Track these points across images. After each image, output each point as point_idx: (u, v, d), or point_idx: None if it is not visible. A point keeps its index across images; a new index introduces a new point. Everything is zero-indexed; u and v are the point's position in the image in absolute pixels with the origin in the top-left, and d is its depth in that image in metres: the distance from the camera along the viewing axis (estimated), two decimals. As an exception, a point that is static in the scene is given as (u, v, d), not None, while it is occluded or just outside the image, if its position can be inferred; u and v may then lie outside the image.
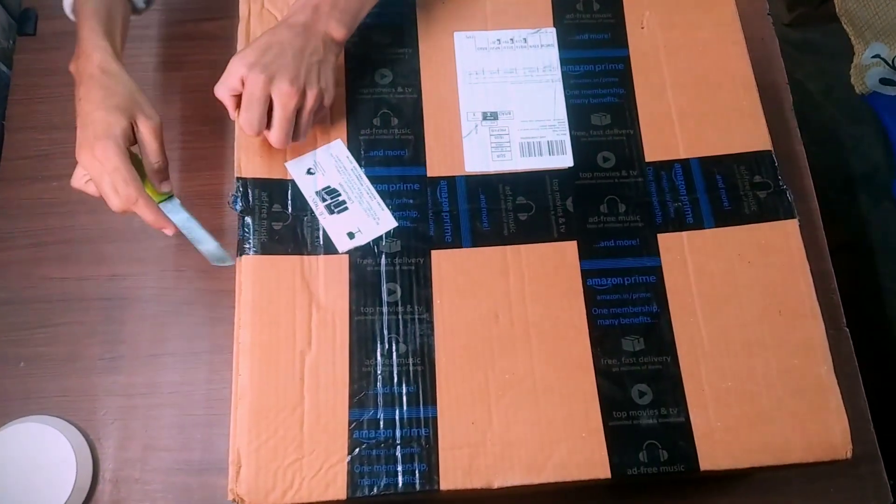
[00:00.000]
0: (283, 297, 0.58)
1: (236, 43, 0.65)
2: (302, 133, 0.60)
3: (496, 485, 0.54)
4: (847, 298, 0.74)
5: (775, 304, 0.59)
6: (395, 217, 0.61)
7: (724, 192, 0.63)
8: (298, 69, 0.58)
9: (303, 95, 0.58)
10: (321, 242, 0.60)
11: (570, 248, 0.61)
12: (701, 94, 0.66)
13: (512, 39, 0.69)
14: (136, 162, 0.59)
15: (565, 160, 0.64)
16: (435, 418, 0.56)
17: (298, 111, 0.59)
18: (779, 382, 0.57)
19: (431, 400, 0.56)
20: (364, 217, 0.61)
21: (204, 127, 0.78)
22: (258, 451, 0.54)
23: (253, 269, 0.59)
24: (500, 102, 0.66)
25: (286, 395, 0.56)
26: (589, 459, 0.55)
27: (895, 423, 0.76)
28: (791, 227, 0.62)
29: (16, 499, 0.64)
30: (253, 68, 0.57)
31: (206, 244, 0.61)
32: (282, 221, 0.61)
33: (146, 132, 0.59)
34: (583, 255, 0.61)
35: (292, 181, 0.62)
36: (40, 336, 0.72)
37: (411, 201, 0.62)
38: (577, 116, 0.66)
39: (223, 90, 0.59)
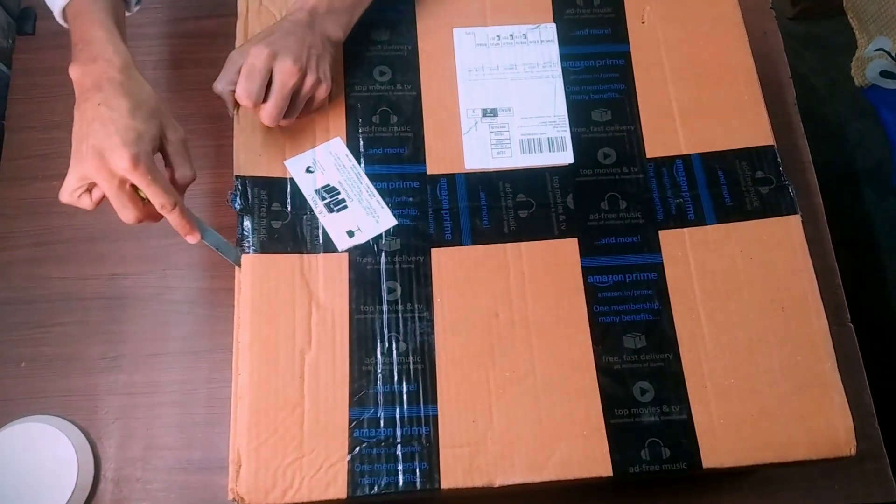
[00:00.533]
0: (283, 295, 0.58)
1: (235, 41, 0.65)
2: (293, 114, 0.61)
3: (497, 483, 0.54)
4: (851, 294, 0.74)
5: (778, 300, 0.59)
6: (394, 215, 0.61)
7: (726, 187, 0.63)
8: (301, 52, 0.59)
9: (303, 77, 0.59)
10: (321, 241, 0.60)
11: (570, 246, 0.61)
12: (702, 90, 0.66)
13: (511, 35, 0.68)
14: None
15: (566, 157, 0.64)
16: (435, 417, 0.56)
17: (295, 93, 0.59)
18: (782, 379, 0.57)
19: (432, 398, 0.56)
20: (363, 215, 0.61)
21: (204, 125, 0.78)
22: (258, 450, 0.54)
23: (252, 268, 0.58)
24: (500, 99, 0.66)
25: (286, 393, 0.55)
26: (590, 457, 0.55)
27: (900, 419, 0.75)
28: (794, 222, 0.61)
29: (18, 498, 0.64)
30: (258, 44, 0.58)
31: (225, 249, 0.59)
32: (281, 220, 0.60)
33: (177, 143, 0.56)
34: (583, 252, 0.60)
35: (291, 179, 0.62)
36: (41, 336, 0.72)
37: (411, 199, 0.62)
38: (578, 113, 0.65)
39: (223, 84, 0.59)
